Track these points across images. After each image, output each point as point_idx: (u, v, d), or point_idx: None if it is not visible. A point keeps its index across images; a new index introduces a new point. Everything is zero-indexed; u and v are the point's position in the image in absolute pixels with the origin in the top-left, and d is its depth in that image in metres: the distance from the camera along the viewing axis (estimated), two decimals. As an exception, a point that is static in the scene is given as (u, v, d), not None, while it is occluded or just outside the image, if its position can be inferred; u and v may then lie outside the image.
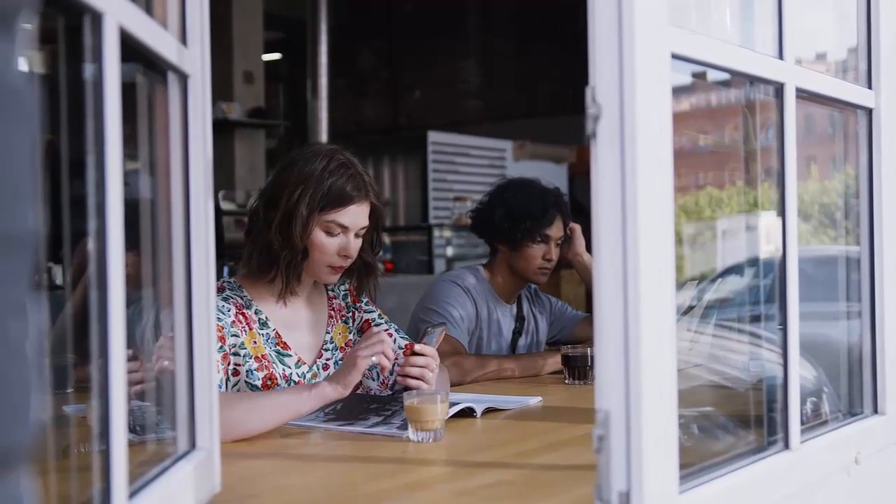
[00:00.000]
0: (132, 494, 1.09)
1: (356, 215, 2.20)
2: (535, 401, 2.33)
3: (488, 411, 2.16)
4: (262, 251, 2.19)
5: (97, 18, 0.98)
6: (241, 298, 2.20)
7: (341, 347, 2.34)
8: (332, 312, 2.37)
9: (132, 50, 1.10)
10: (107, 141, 1.00)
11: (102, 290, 1.00)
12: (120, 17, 1.02)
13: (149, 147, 1.34)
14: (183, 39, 1.33)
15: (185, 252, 1.35)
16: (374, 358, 1.96)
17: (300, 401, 1.95)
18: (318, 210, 2.16)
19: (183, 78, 1.33)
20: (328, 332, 2.33)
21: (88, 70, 1.01)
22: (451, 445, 1.85)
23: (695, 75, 1.48)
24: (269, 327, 2.21)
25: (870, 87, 1.80)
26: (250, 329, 2.18)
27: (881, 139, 1.79)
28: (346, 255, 2.21)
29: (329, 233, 2.18)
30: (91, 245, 1.01)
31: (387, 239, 7.72)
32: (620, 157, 1.16)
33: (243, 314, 2.17)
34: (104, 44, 0.99)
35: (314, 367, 2.27)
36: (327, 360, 2.30)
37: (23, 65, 0.58)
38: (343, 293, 2.41)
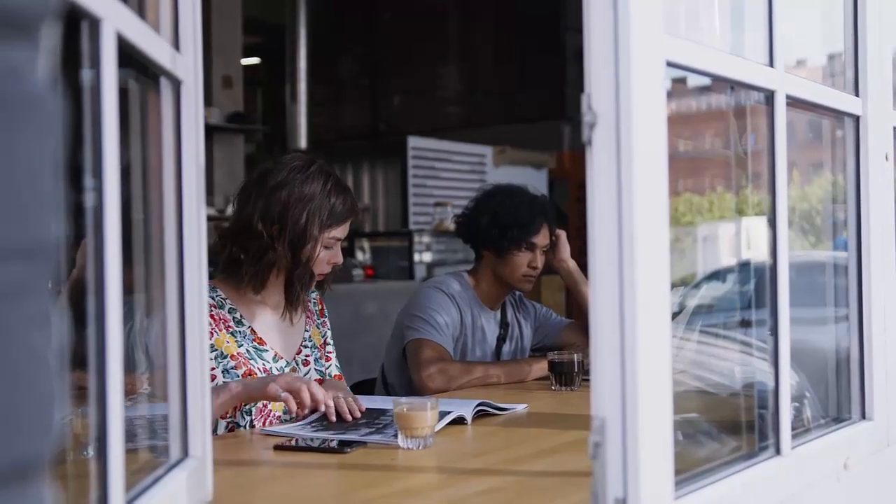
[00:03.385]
0: (128, 503, 1.08)
1: (348, 227, 2.34)
2: (521, 407, 2.33)
3: (479, 416, 2.17)
4: (267, 268, 2.26)
5: (95, 24, 0.97)
6: (213, 299, 2.23)
7: (319, 346, 2.44)
8: (309, 313, 2.46)
9: (126, 55, 1.10)
10: (104, 146, 0.99)
11: (99, 297, 0.99)
12: (117, 23, 1.01)
13: (141, 152, 1.33)
14: (176, 45, 1.33)
15: (177, 259, 1.34)
16: (283, 395, 1.97)
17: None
18: (326, 229, 2.27)
19: (176, 84, 1.32)
20: (307, 331, 2.42)
21: (85, 75, 1.00)
22: (440, 452, 1.84)
23: (674, 80, 1.48)
24: (244, 325, 2.27)
25: (857, 95, 1.81)
26: (221, 330, 2.23)
27: (868, 146, 1.81)
28: (335, 263, 2.33)
29: (327, 247, 2.30)
30: (88, 251, 1.00)
31: (367, 245, 7.70)
32: (616, 164, 1.16)
33: (212, 316, 2.22)
34: (102, 49, 0.98)
35: (293, 363, 2.35)
36: (307, 356, 2.40)
37: (46, 72, 0.58)
38: (313, 300, 2.51)
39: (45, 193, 0.56)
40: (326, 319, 2.52)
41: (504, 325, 3.13)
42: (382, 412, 2.16)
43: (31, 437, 0.55)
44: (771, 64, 1.51)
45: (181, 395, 1.34)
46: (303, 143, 8.54)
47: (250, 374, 2.21)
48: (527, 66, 9.32)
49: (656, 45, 1.20)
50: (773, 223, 1.53)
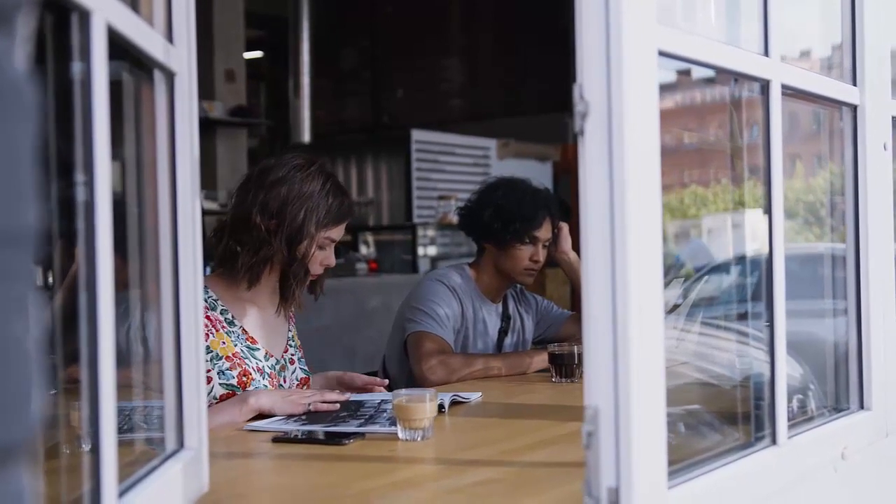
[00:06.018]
0: (121, 494, 1.08)
1: (343, 230, 2.37)
2: (475, 396, 2.37)
3: (475, 407, 2.22)
4: (262, 263, 2.27)
5: (85, 16, 0.98)
6: (205, 300, 2.24)
7: (299, 346, 2.49)
8: (291, 315, 2.50)
9: (118, 48, 1.10)
10: (95, 140, 1.00)
11: (91, 291, 0.99)
12: (108, 15, 1.01)
13: (135, 146, 1.33)
14: (169, 37, 1.33)
15: (172, 252, 1.34)
16: (311, 407, 2.12)
17: (233, 420, 2.07)
18: (322, 228, 2.29)
19: (170, 76, 1.33)
20: (290, 331, 2.47)
21: (76, 68, 1.00)
22: (439, 444, 1.85)
23: (679, 72, 1.48)
24: (236, 325, 2.30)
25: (854, 84, 1.81)
26: (217, 330, 2.26)
27: (866, 136, 1.80)
28: (327, 265, 2.36)
29: (321, 247, 2.32)
30: (78, 245, 1.01)
31: (370, 238, 7.71)
32: (608, 155, 1.16)
33: (208, 317, 2.24)
34: (92, 42, 0.98)
35: (282, 360, 2.39)
36: (292, 355, 2.44)
37: (22, 62, 0.58)
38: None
39: (23, 182, 0.57)
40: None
41: (506, 317, 3.13)
42: (360, 404, 2.19)
43: (9, 423, 0.55)
44: (766, 53, 1.51)
45: (176, 387, 1.35)
46: (306, 136, 8.55)
47: (245, 374, 2.25)
48: (529, 58, 9.31)
49: (648, 34, 1.20)
50: (768, 213, 1.53)
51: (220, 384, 2.21)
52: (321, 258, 2.33)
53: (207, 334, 2.21)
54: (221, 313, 2.29)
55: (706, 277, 2.32)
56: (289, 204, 2.25)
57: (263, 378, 2.28)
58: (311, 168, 2.31)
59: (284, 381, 2.37)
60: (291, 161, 2.32)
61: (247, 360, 2.27)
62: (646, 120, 1.19)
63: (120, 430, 1.13)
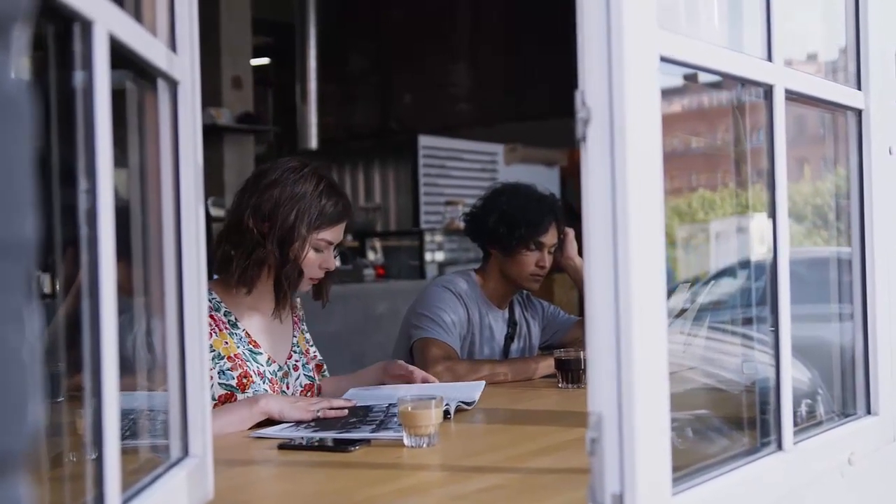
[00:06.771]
0: (125, 501, 1.08)
1: (341, 232, 2.36)
2: (480, 385, 2.41)
3: (476, 411, 2.23)
4: (256, 265, 2.27)
5: (87, 26, 0.98)
6: (210, 301, 2.25)
7: (304, 352, 2.48)
8: (296, 320, 2.50)
9: (121, 57, 1.10)
10: (97, 148, 1.00)
11: (94, 298, 1.00)
12: (110, 25, 1.02)
13: (138, 154, 1.34)
14: (172, 46, 1.33)
15: (176, 260, 1.34)
16: (319, 414, 2.11)
17: (241, 421, 2.07)
18: (315, 229, 2.28)
19: (173, 85, 1.33)
20: (294, 337, 2.46)
21: (78, 77, 1.01)
22: (445, 450, 1.85)
23: (686, 77, 1.48)
24: (239, 328, 2.31)
25: (859, 88, 1.80)
26: (220, 331, 2.27)
27: (870, 140, 1.80)
28: (326, 268, 2.35)
29: (317, 249, 2.31)
30: (82, 253, 1.01)
31: (378, 244, 7.71)
32: (610, 161, 1.16)
33: (212, 317, 2.25)
34: (94, 51, 0.99)
35: (285, 367, 2.39)
36: (296, 361, 2.44)
37: (19, 73, 0.59)
38: (298, 305, 2.56)
39: (20, 193, 0.57)
40: (304, 325, 2.56)
41: (512, 323, 3.13)
42: (369, 409, 2.19)
43: (5, 433, 0.56)
44: (769, 58, 1.51)
45: (181, 394, 1.35)
46: (313, 142, 8.55)
47: (246, 376, 2.25)
48: (536, 62, 9.30)
49: (650, 39, 1.20)
50: (773, 217, 1.52)
51: (219, 384, 2.22)
52: (319, 261, 2.32)
53: (210, 333, 2.21)
54: (225, 315, 2.29)
55: (714, 281, 2.32)
56: (281, 205, 2.25)
57: (264, 382, 2.28)
58: (305, 170, 2.31)
59: (287, 388, 2.36)
60: (286, 164, 2.33)
61: (248, 363, 2.27)
62: (648, 125, 1.19)
63: (123, 437, 1.14)
